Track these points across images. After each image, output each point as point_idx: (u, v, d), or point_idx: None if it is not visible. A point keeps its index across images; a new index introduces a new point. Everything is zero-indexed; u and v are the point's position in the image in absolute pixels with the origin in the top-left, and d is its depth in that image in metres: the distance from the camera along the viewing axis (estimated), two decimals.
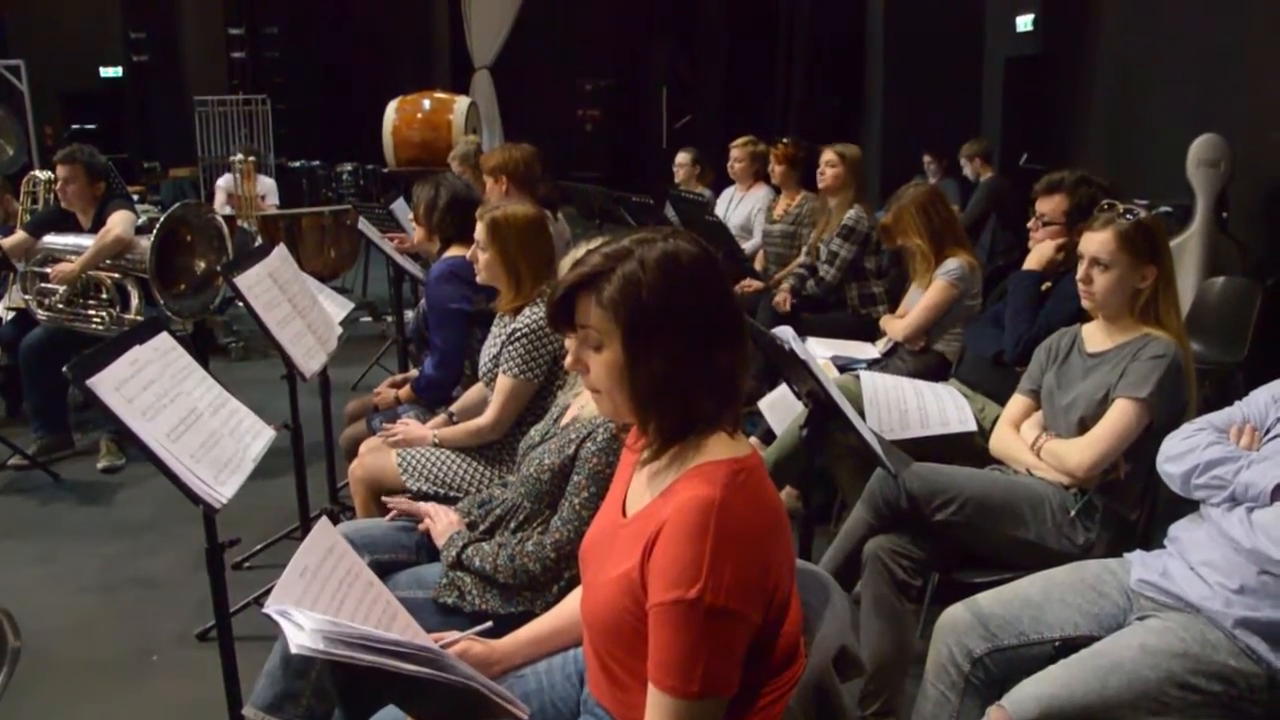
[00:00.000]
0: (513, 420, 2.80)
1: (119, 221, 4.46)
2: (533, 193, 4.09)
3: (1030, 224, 3.22)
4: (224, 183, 8.07)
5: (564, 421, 2.16)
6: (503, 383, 2.76)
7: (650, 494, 1.46)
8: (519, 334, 2.69)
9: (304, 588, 1.46)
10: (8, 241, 4.59)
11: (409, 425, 3.01)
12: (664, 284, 1.36)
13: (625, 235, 1.44)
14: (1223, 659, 1.87)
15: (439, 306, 3.33)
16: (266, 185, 7.99)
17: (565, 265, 1.49)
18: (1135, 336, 2.42)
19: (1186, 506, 2.11)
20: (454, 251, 3.39)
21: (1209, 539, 1.98)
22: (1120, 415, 2.33)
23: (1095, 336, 2.52)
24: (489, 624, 1.77)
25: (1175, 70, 6.34)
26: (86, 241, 4.50)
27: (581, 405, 2.14)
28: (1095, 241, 2.42)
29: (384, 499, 2.65)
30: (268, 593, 1.44)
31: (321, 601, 1.48)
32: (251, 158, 7.76)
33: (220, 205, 7.72)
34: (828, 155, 4.68)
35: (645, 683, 1.35)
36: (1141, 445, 2.33)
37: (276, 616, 1.33)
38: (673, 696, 1.31)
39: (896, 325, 3.80)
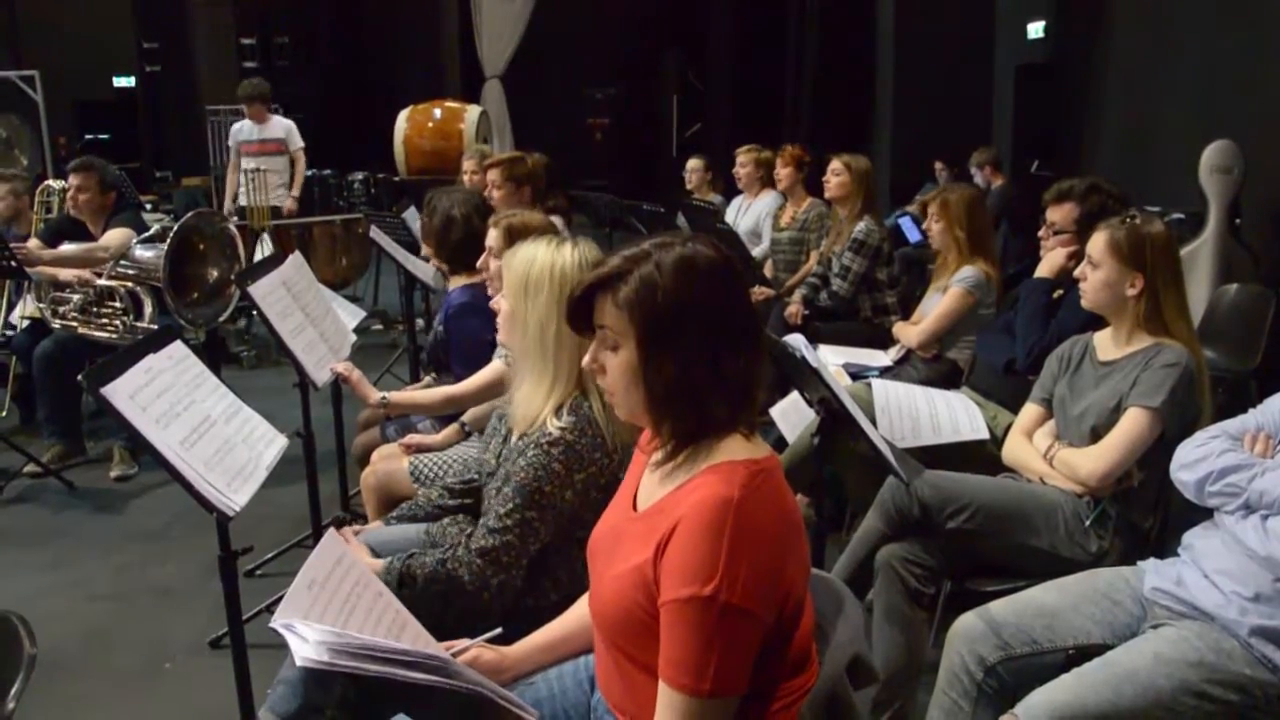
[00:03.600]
0: (485, 401, 2.87)
1: (114, 237, 4.53)
2: (545, 204, 4.11)
3: (1041, 232, 3.22)
4: (237, 130, 7.48)
5: (513, 441, 2.12)
6: (495, 365, 2.81)
7: (664, 489, 1.46)
8: None
9: (312, 600, 1.47)
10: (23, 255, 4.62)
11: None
12: (680, 287, 1.37)
13: (645, 239, 1.45)
14: (1238, 668, 1.86)
15: (462, 340, 3.27)
16: (284, 125, 7.41)
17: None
18: (1147, 345, 2.42)
19: (1200, 514, 2.10)
20: (465, 280, 3.34)
21: (1223, 547, 1.97)
22: (1133, 424, 2.33)
23: (1107, 345, 2.52)
24: (499, 630, 1.76)
25: (1187, 76, 6.33)
26: None
27: (517, 421, 2.07)
28: (1092, 241, 2.49)
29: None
30: (280, 600, 1.44)
31: (330, 613, 1.48)
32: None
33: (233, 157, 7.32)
34: (834, 164, 4.68)
35: (654, 677, 1.36)
36: (1155, 453, 2.32)
37: (282, 630, 1.34)
38: (684, 694, 1.31)
39: (910, 332, 3.79)
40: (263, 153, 7.22)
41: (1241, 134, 5.34)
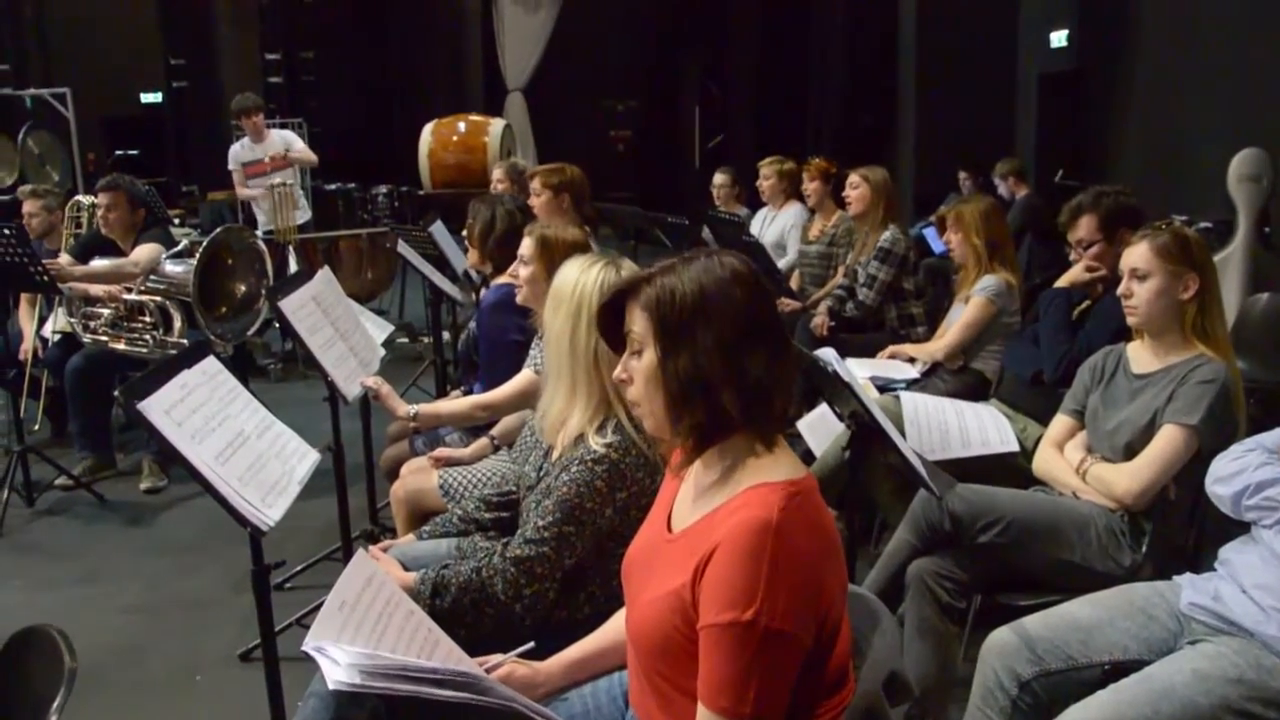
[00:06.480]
0: (513, 412, 2.88)
1: (144, 253, 4.59)
2: (582, 212, 4.12)
3: (1073, 256, 3.19)
4: (237, 150, 7.08)
5: (554, 457, 2.13)
6: (527, 375, 2.81)
7: (700, 510, 1.46)
8: None
9: (343, 621, 1.47)
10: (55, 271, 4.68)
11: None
12: (698, 287, 1.40)
13: (676, 255, 1.47)
14: (1279, 685, 1.83)
15: (492, 336, 3.30)
16: (286, 139, 7.08)
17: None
18: (1184, 359, 2.39)
19: (1236, 528, 2.08)
20: (506, 278, 3.38)
21: (1261, 561, 1.95)
22: (1169, 442, 2.30)
23: (1142, 357, 2.49)
24: (531, 645, 1.76)
25: (1214, 84, 6.28)
26: None
27: (561, 439, 2.09)
28: (1133, 254, 2.42)
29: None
30: (310, 613, 1.46)
31: (362, 634, 1.48)
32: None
33: (236, 177, 7.05)
34: (851, 178, 4.66)
35: (691, 699, 1.35)
36: (1190, 467, 2.29)
37: (314, 654, 1.36)
38: (725, 717, 1.31)
39: (934, 347, 3.79)
40: (273, 169, 6.91)
41: (1270, 142, 5.30)
